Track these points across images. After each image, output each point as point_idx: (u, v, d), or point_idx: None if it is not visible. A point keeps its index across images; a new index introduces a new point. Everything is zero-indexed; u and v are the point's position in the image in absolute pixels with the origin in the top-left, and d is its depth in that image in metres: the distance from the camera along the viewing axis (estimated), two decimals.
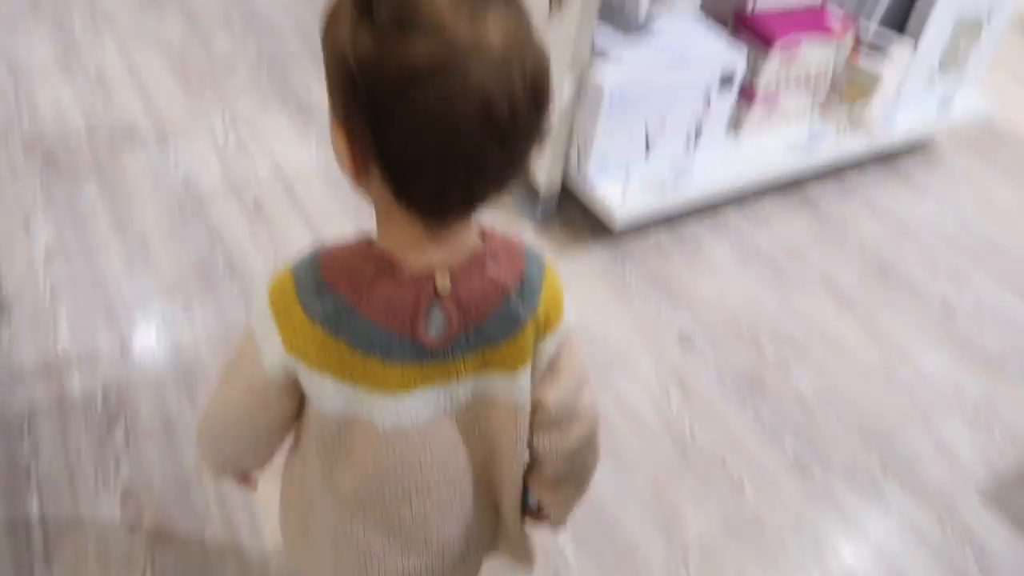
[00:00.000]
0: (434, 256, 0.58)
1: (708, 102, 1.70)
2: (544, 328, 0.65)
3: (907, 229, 1.99)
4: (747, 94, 1.79)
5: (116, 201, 1.69)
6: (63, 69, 2.01)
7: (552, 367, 0.68)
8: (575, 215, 1.81)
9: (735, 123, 1.83)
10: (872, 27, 1.94)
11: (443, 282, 0.58)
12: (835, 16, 1.85)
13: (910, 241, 1.95)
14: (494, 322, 0.61)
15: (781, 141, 1.89)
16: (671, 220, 1.85)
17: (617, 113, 1.60)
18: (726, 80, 1.69)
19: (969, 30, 2.06)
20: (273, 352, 0.61)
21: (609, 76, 1.56)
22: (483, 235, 0.62)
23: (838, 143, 1.94)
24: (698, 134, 1.75)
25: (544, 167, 1.72)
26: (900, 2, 1.99)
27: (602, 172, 1.69)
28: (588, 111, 1.61)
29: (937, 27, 1.97)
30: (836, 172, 2.07)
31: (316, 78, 2.08)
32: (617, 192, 1.68)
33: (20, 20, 2.15)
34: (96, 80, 1.99)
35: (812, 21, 1.81)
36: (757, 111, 1.84)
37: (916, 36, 1.98)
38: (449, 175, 0.52)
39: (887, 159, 2.16)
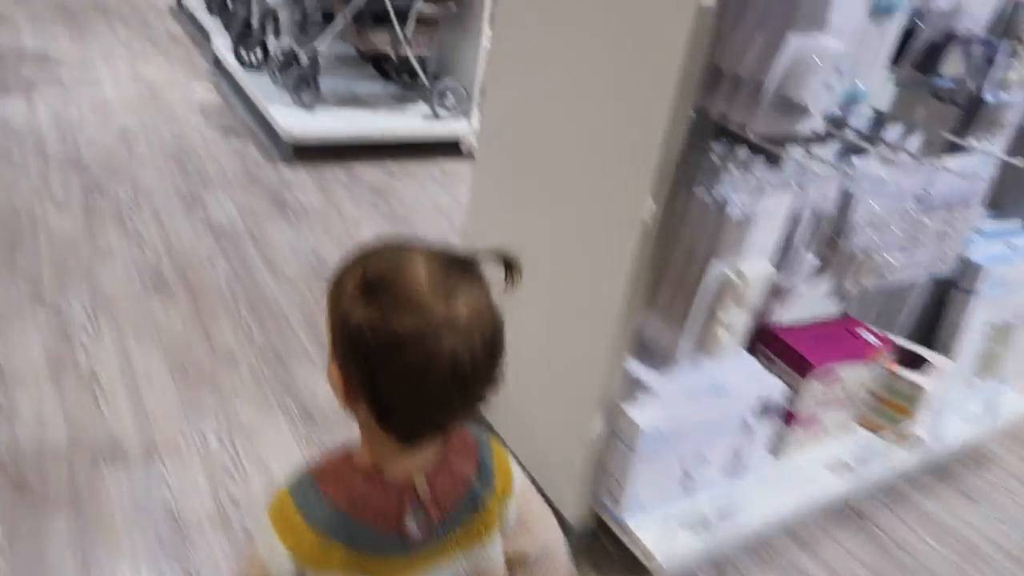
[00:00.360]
0: (411, 464, 0.73)
1: (747, 431, 1.57)
2: (502, 497, 0.79)
3: (971, 547, 1.79)
4: (787, 417, 1.67)
5: (87, 537, 1.49)
6: (53, 370, 1.88)
7: (520, 522, 0.81)
8: (610, 554, 1.61)
9: (776, 447, 1.70)
10: (902, 338, 1.87)
11: (422, 488, 0.73)
12: (865, 330, 1.77)
13: (976, 561, 1.75)
14: (462, 509, 0.76)
15: (826, 460, 1.74)
16: (716, 560, 1.65)
17: (653, 451, 1.46)
18: (765, 408, 1.57)
19: (1002, 333, 1.99)
20: (280, 564, 0.70)
21: (644, 414, 1.44)
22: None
23: (885, 458, 1.79)
24: (738, 463, 1.61)
25: (571, 504, 1.55)
26: (927, 312, 1.94)
27: (638, 511, 1.52)
28: (621, 450, 1.47)
29: (970, 336, 1.91)
30: (887, 487, 1.91)
31: (320, 377, 1.97)
32: (655, 532, 1.50)
33: (17, 309, 2.06)
34: (87, 382, 1.86)
35: (844, 340, 1.73)
36: (798, 432, 1.70)
37: (948, 344, 1.91)
38: (423, 413, 0.68)
39: (938, 469, 2.01)
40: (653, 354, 1.53)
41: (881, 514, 1.86)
